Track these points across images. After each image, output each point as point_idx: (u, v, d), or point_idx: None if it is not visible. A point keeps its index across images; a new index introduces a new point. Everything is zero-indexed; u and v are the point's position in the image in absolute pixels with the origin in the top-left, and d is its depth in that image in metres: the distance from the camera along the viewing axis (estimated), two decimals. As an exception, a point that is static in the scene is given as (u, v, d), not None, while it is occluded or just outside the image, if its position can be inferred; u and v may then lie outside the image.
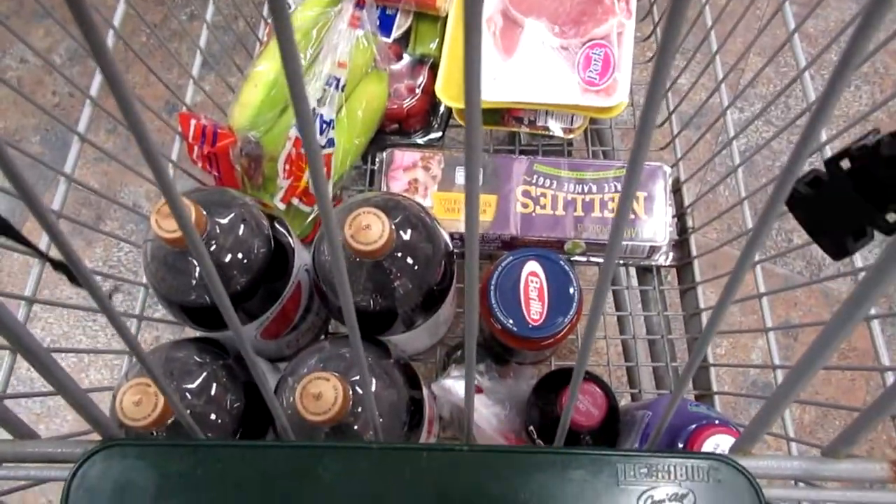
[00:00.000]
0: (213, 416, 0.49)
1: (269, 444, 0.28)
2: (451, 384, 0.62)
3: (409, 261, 0.52)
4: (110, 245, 1.33)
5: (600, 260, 0.76)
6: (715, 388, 0.70)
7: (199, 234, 0.47)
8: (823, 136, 0.58)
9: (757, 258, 0.64)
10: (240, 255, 0.52)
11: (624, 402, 0.86)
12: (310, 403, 0.43)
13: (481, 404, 0.61)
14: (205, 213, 0.49)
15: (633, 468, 0.27)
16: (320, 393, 0.43)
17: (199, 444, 0.27)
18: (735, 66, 0.71)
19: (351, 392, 0.47)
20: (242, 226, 0.53)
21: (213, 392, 0.50)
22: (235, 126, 0.69)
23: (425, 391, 0.55)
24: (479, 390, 0.62)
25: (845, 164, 0.35)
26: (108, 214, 1.35)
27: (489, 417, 0.60)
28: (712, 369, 0.70)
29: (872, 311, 0.47)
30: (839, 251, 0.32)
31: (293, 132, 0.70)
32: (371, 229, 0.47)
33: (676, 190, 0.79)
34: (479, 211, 0.21)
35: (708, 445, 0.49)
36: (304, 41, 0.72)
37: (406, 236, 0.52)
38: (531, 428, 0.60)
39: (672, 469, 0.26)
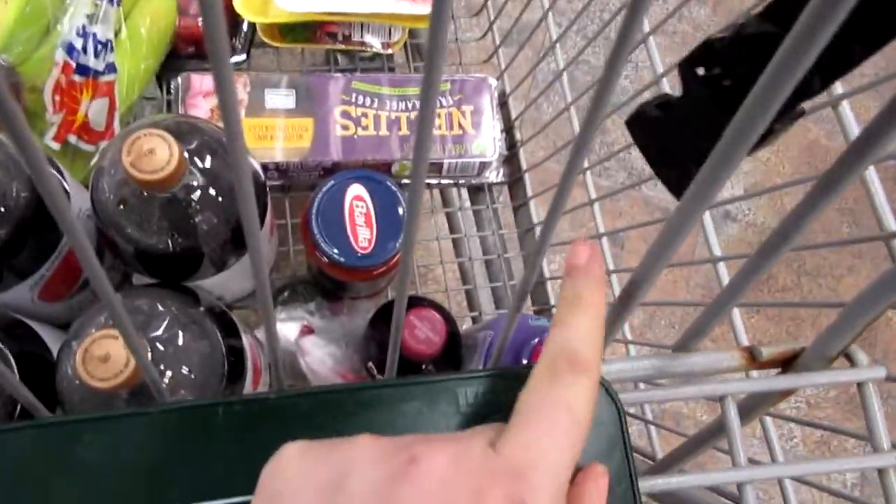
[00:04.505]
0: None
1: (7, 427, 0.21)
2: (279, 328, 0.56)
3: (211, 192, 0.45)
4: None
5: (433, 181, 0.72)
6: (552, 301, 0.70)
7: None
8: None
9: (585, 165, 0.63)
10: (-7, 203, 0.43)
11: (465, 326, 0.84)
12: (95, 367, 0.35)
13: (313, 345, 0.56)
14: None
15: (475, 392, 0.23)
16: (107, 354, 0.36)
17: None
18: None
19: (150, 348, 0.40)
20: (-8, 167, 0.43)
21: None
22: (-18, 50, 0.56)
23: (247, 339, 0.49)
24: (310, 331, 0.57)
25: (702, 71, 0.27)
26: None
27: (323, 358, 0.55)
28: (549, 283, 0.70)
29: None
30: (682, 184, 0.25)
31: (60, 55, 0.59)
32: (155, 154, 0.39)
33: (503, 103, 0.76)
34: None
35: (551, 358, 0.48)
36: (61, -56, 0.59)
37: (204, 163, 0.45)
38: (370, 364, 0.56)
39: (517, 387, 0.23)
